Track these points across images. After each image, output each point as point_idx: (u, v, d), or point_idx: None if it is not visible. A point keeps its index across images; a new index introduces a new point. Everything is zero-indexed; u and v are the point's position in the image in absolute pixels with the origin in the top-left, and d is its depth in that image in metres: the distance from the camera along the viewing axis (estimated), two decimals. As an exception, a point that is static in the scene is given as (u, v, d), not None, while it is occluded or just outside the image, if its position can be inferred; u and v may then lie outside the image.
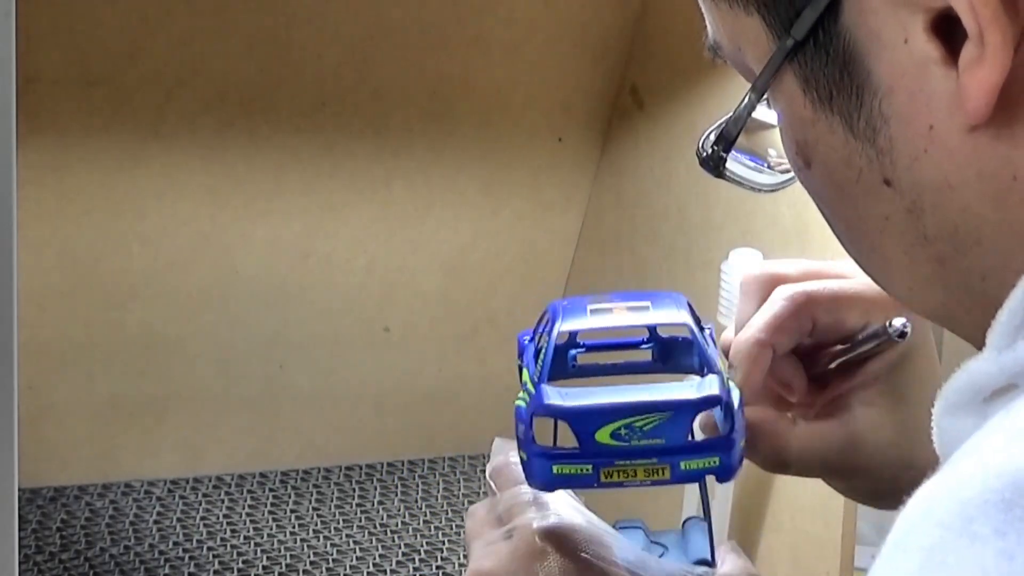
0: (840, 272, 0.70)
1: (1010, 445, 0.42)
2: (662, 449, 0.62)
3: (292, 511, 1.51)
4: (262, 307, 1.54)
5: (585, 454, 0.63)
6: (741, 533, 1.26)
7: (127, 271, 1.47)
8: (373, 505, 1.53)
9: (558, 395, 0.64)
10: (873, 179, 0.50)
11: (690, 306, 0.70)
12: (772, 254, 1.23)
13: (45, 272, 1.43)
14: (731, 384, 0.65)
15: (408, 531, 1.49)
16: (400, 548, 1.46)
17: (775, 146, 0.61)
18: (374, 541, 1.46)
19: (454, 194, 1.57)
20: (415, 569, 1.42)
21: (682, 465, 0.63)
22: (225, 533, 1.45)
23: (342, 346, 1.58)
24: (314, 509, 1.52)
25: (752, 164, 0.64)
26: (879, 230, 0.51)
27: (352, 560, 1.43)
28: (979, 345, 0.52)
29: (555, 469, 0.63)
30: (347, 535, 1.47)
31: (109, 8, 1.37)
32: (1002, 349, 0.47)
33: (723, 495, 1.23)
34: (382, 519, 1.51)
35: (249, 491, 1.54)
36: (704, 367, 0.66)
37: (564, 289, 1.64)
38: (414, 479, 1.58)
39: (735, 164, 0.62)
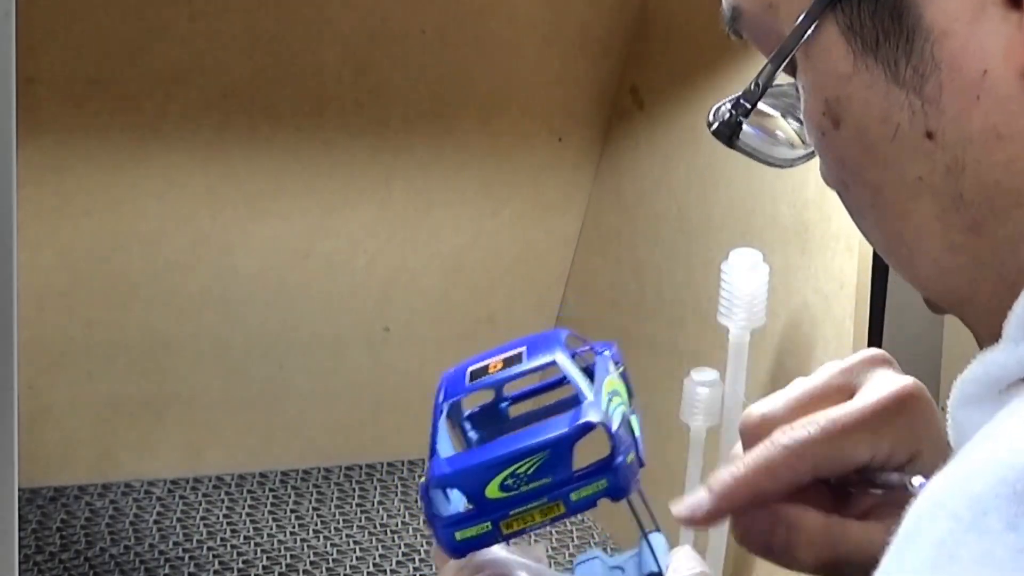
0: (835, 386, 0.64)
1: (1022, 435, 0.41)
2: (550, 487, 0.63)
3: (292, 511, 1.51)
4: (262, 307, 1.54)
5: (481, 513, 0.64)
6: (741, 533, 1.26)
7: (127, 271, 1.47)
8: (373, 505, 1.53)
9: (445, 464, 0.66)
10: (913, 134, 0.48)
11: (578, 339, 0.72)
12: (772, 254, 1.23)
13: (45, 272, 1.43)
14: (612, 404, 0.66)
15: (408, 531, 1.49)
16: (400, 548, 1.46)
17: (783, 130, 0.60)
18: (374, 541, 1.46)
19: (454, 194, 1.57)
20: (415, 569, 1.42)
21: (573, 496, 0.64)
22: (225, 533, 1.45)
23: (342, 346, 1.58)
24: (314, 509, 1.52)
25: (766, 138, 0.62)
26: (911, 193, 0.49)
27: (352, 560, 1.42)
28: (991, 332, 0.50)
29: (458, 535, 0.65)
30: (347, 535, 1.47)
31: (109, 8, 1.37)
32: (1019, 340, 0.46)
33: (723, 495, 1.23)
34: (382, 519, 1.51)
35: (249, 491, 1.55)
36: (577, 397, 0.67)
37: (564, 289, 1.64)
38: (414, 479, 1.58)
39: (748, 136, 0.60)
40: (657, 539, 0.70)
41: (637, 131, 1.51)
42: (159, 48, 1.40)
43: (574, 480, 0.64)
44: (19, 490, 0.87)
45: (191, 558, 1.39)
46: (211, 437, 1.56)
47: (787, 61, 0.52)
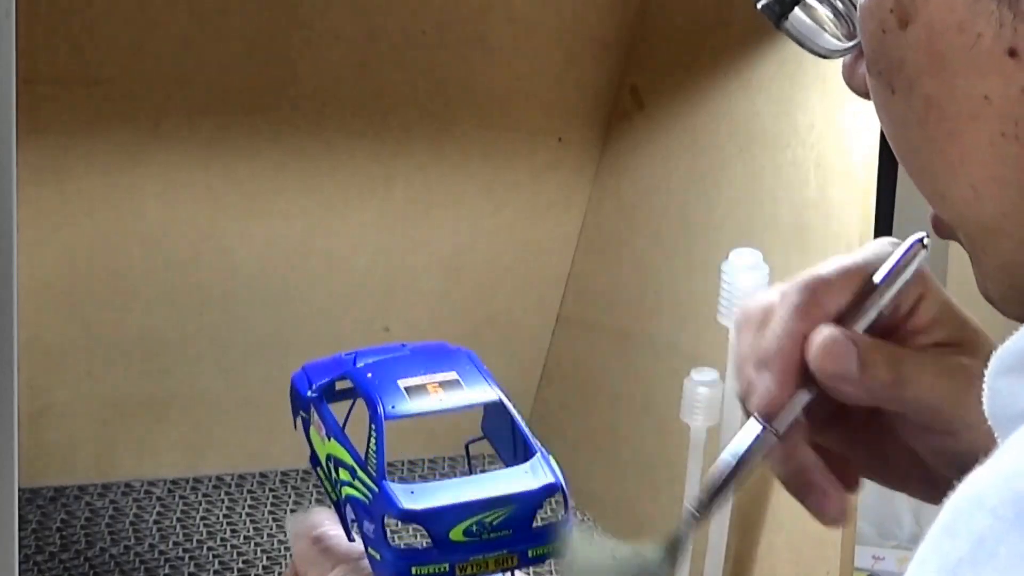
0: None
1: None
2: (511, 540, 0.66)
3: (292, 511, 1.51)
4: (262, 307, 1.54)
5: (441, 553, 0.65)
6: (741, 533, 1.26)
7: (127, 271, 1.47)
8: (373, 505, 1.53)
9: (408, 496, 0.66)
10: (995, 48, 0.45)
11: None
12: (772, 254, 1.23)
13: (45, 272, 1.43)
14: (554, 463, 0.68)
15: (407, 530, 1.49)
16: (400, 548, 1.45)
17: (826, 21, 0.57)
18: (374, 541, 1.46)
19: (454, 194, 1.57)
20: (415, 569, 1.42)
21: (529, 553, 0.67)
22: (225, 533, 1.45)
23: (342, 346, 1.58)
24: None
25: (813, 25, 0.59)
26: (971, 112, 0.46)
27: (352, 560, 1.42)
28: (1010, 277, 0.49)
29: (414, 570, 0.65)
30: (347, 535, 1.47)
31: (109, 8, 1.37)
32: None
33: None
34: (382, 519, 1.51)
35: (249, 491, 1.54)
36: (525, 448, 0.69)
37: (564, 289, 1.64)
38: (414, 479, 1.58)
39: (796, 19, 0.57)
40: None
41: (637, 131, 1.51)
42: (159, 48, 1.40)
43: (533, 538, 0.66)
44: (19, 490, 0.87)
45: (191, 558, 1.39)
46: (211, 437, 1.56)
47: None
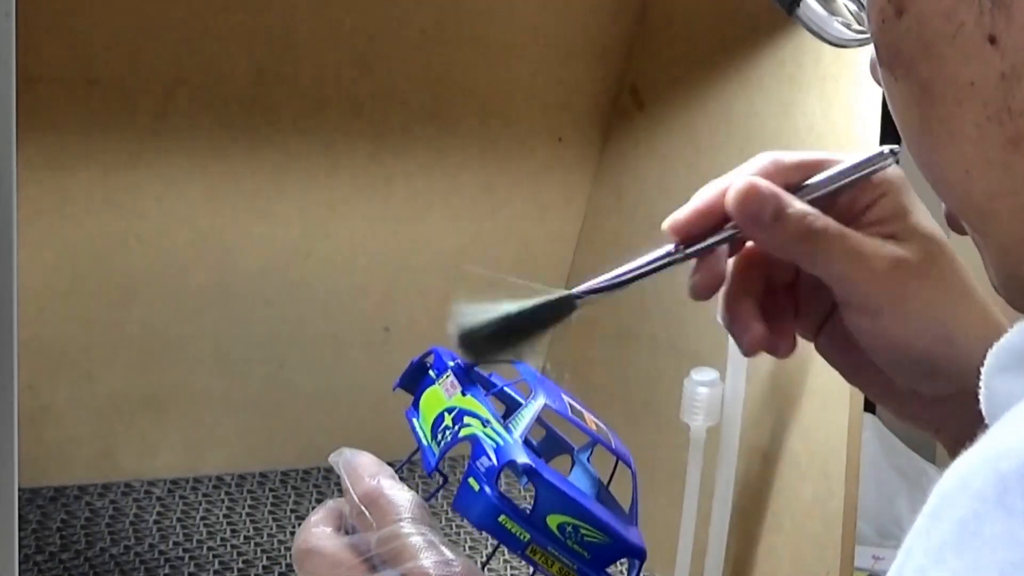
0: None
1: None
2: (583, 562, 0.65)
3: (292, 511, 1.51)
4: (262, 307, 1.54)
5: (529, 524, 0.65)
6: (741, 533, 1.26)
7: (127, 271, 1.47)
8: (373, 505, 1.53)
9: (541, 464, 0.67)
10: (975, 36, 0.47)
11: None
12: (772, 254, 1.23)
13: (45, 272, 1.43)
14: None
15: (408, 531, 1.49)
16: (400, 548, 1.45)
17: (841, 12, 0.59)
18: (374, 541, 1.46)
19: (454, 194, 1.57)
20: (415, 569, 1.42)
21: None
22: (225, 533, 1.45)
23: (342, 346, 1.58)
24: (314, 509, 1.52)
25: (825, 14, 0.60)
26: (958, 97, 0.48)
27: (352, 560, 1.42)
28: (1003, 255, 0.50)
29: (501, 518, 0.65)
30: (347, 535, 1.47)
31: (109, 8, 1.37)
32: None
33: (723, 495, 1.24)
34: (382, 519, 1.51)
35: (249, 491, 1.55)
36: (632, 517, 0.72)
37: (564, 289, 1.64)
38: (414, 479, 1.59)
39: (808, 7, 0.59)
40: None
41: (637, 131, 1.51)
42: (159, 48, 1.40)
43: (597, 573, 0.67)
44: (19, 490, 0.87)
45: (191, 558, 1.39)
46: (211, 437, 1.56)
47: None
